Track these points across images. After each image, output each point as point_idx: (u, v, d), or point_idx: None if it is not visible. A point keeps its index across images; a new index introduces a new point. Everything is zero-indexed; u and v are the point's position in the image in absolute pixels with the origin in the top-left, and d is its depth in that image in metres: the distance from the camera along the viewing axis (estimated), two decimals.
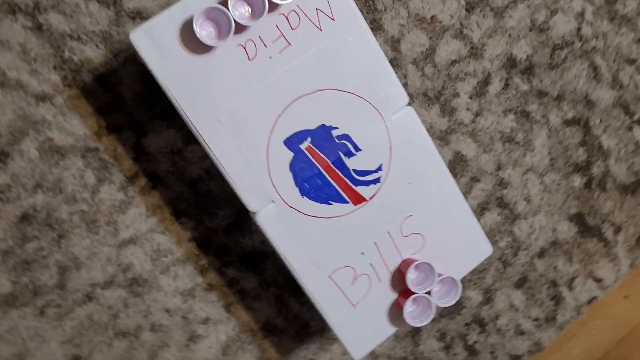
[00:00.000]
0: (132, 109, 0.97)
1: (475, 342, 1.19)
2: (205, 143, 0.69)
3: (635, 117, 1.26)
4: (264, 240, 1.03)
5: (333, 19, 0.72)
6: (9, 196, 0.90)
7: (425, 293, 0.78)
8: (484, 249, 0.84)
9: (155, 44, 0.65)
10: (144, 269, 0.95)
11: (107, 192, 0.92)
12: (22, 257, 0.88)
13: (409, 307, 0.77)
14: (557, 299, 1.25)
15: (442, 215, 0.81)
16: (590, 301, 1.27)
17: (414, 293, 0.77)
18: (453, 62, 1.11)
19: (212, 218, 1.00)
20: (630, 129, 1.26)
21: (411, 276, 0.77)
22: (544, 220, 1.23)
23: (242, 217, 1.03)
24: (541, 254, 1.24)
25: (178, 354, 0.98)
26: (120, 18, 0.94)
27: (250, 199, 0.72)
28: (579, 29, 1.17)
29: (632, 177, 1.28)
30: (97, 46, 0.95)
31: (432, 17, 1.08)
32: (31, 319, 0.90)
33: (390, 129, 0.75)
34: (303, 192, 0.74)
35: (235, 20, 0.65)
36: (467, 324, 1.18)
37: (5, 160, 0.88)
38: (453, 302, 0.80)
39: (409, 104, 0.77)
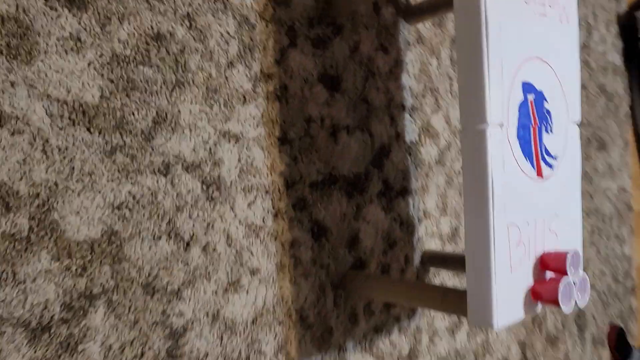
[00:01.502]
0: (299, 16, 0.92)
1: None
2: (486, 43, 0.72)
3: None
4: (340, 217, 0.96)
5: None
6: (159, 7, 0.75)
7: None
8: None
9: None
10: (229, 175, 0.81)
11: (240, 73, 0.82)
12: (130, 75, 0.71)
13: (564, 286, 0.77)
14: None
15: (570, 228, 0.88)
16: None
17: (549, 285, 0.78)
18: None
19: (307, 165, 0.92)
20: None
21: (570, 259, 0.79)
22: None
23: (330, 182, 0.96)
24: None
25: (210, 297, 0.78)
26: None
27: (491, 110, 0.73)
28: None
29: None
30: None
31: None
32: (95, 150, 0.68)
33: (567, 133, 0.86)
34: (518, 135, 0.77)
35: None
36: None
37: None
38: (584, 304, 0.82)
39: (578, 125, 0.90)
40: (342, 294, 0.97)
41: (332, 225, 0.96)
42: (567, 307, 0.79)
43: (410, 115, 1.10)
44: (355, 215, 1.00)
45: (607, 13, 1.71)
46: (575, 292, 0.81)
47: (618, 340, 1.76)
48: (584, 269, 1.62)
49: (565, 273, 0.80)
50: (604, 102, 1.71)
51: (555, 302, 0.78)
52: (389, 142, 1.06)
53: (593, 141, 1.66)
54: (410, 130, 1.10)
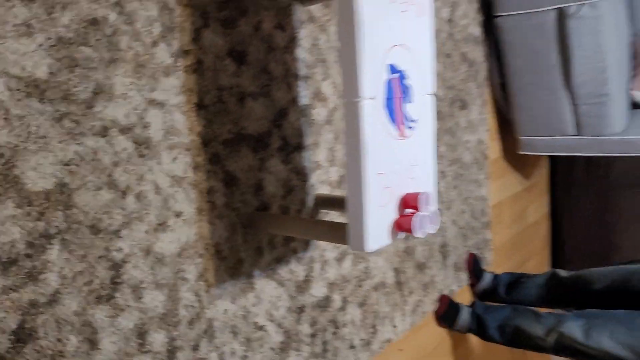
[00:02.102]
0: (210, 1, 1.09)
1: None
2: (360, 30, 0.94)
3: None
4: (247, 169, 1.17)
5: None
6: None
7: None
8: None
9: None
10: (156, 136, 1.00)
11: (163, 50, 1.01)
12: (74, 54, 0.87)
13: (417, 219, 1.04)
14: None
15: (425, 175, 1.15)
16: None
17: (407, 218, 1.05)
18: None
19: (220, 127, 1.12)
20: None
21: (422, 198, 1.06)
22: None
23: (239, 140, 1.16)
24: None
25: (143, 235, 0.99)
26: None
27: (364, 85, 0.96)
28: None
29: None
30: None
31: None
32: (47, 118, 0.85)
33: (424, 102, 1.12)
34: (385, 105, 1.01)
35: None
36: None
37: None
38: (434, 231, 1.10)
39: (433, 94, 1.16)
40: (249, 231, 1.19)
41: (241, 175, 1.17)
42: (420, 235, 1.06)
43: (304, 82, 1.31)
44: (260, 167, 1.21)
45: None
46: (427, 223, 1.08)
47: (474, 265, 2.14)
48: (448, 209, 1.96)
49: (418, 209, 1.07)
50: (465, 68, 2.02)
51: (410, 231, 1.05)
52: (286, 106, 1.27)
53: (456, 102, 1.97)
54: (304, 95, 1.32)
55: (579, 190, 2.82)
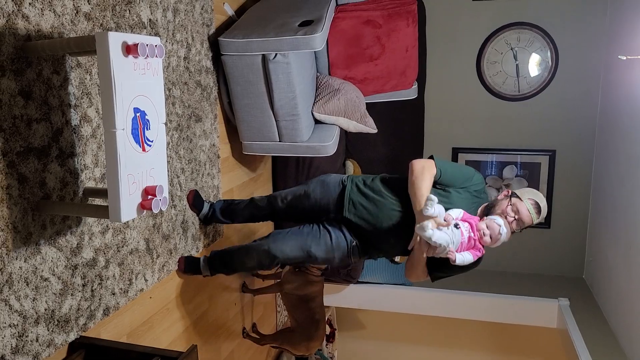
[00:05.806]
0: (5, 58, 1.60)
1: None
2: (113, 72, 1.59)
3: None
4: (34, 171, 1.72)
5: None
6: None
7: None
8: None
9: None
10: None
11: None
12: None
13: (155, 202, 1.72)
14: None
15: (159, 174, 1.84)
16: None
17: (148, 201, 1.74)
18: None
19: (13, 143, 1.67)
20: None
21: (157, 189, 1.74)
22: None
23: (28, 152, 1.71)
24: None
25: None
26: None
27: (117, 121, 1.62)
28: None
29: None
30: None
31: None
32: None
33: (158, 128, 1.81)
34: (132, 133, 1.68)
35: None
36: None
37: None
38: (165, 208, 1.79)
39: (164, 123, 1.86)
40: (37, 213, 1.74)
41: (29, 175, 1.71)
42: (156, 210, 1.74)
43: (74, 109, 1.89)
44: (43, 169, 1.76)
45: (201, 35, 2.73)
46: (160, 204, 1.77)
47: (195, 198, 2.80)
48: (188, 194, 2.67)
49: (155, 195, 1.75)
50: (200, 92, 2.75)
51: (150, 209, 1.73)
52: (61, 126, 1.83)
53: (192, 117, 2.69)
54: (75, 118, 1.89)
55: (292, 178, 3.79)
